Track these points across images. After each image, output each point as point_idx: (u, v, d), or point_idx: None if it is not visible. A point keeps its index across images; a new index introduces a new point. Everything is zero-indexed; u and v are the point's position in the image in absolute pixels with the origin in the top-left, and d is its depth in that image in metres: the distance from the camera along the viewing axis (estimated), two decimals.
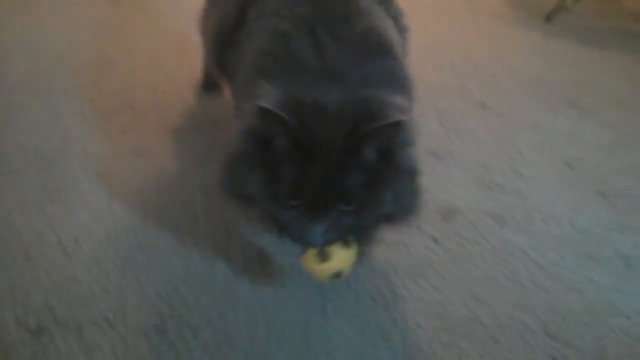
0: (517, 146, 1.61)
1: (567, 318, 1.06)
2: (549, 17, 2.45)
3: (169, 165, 1.38)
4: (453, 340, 1.00)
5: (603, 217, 1.35)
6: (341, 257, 0.90)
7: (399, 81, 0.93)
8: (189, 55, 1.81)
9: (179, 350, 0.94)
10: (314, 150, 0.77)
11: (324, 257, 0.89)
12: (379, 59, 0.90)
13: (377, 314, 1.04)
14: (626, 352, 1.01)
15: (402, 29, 1.16)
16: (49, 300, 1.00)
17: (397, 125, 0.77)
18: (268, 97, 0.79)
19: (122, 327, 0.97)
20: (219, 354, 0.94)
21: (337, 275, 0.91)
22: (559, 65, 2.17)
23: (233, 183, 0.88)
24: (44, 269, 1.06)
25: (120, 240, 1.15)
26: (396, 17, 1.14)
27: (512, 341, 1.01)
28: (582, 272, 1.17)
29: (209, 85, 1.61)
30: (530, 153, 1.58)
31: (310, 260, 0.90)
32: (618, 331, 1.05)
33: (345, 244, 0.91)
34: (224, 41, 1.11)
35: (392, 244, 1.19)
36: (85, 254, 1.11)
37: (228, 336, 0.98)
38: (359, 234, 0.94)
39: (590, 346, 1.02)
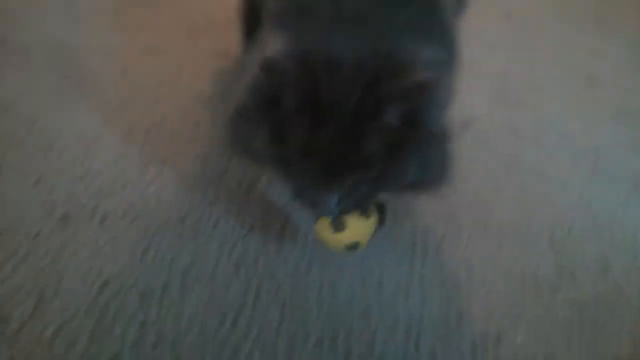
0: (539, 59, 1.59)
1: (573, 231, 1.10)
2: None
3: (186, 63, 1.39)
4: (460, 244, 1.04)
5: (617, 136, 1.35)
6: (358, 228, 0.84)
7: (436, 31, 0.80)
8: None
9: (200, 240, 0.99)
10: (325, 108, 0.68)
11: (339, 226, 0.83)
12: (412, 3, 0.78)
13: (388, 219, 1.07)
14: (629, 267, 1.05)
15: None
16: (74, 192, 1.04)
17: (425, 85, 0.67)
18: (274, 46, 0.72)
19: (146, 218, 1.01)
20: (238, 246, 0.99)
21: (354, 246, 0.85)
22: None
23: (239, 141, 0.81)
24: (68, 163, 1.10)
25: (141, 135, 1.18)
26: None
27: (516, 249, 1.05)
28: (591, 189, 1.20)
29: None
30: (551, 67, 1.56)
31: (324, 229, 0.84)
32: (622, 247, 1.08)
33: (364, 212, 0.85)
34: None
35: None
36: (107, 148, 1.14)
37: (243, 230, 1.02)
38: (378, 202, 0.88)
39: (594, 259, 1.05)
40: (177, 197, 1.06)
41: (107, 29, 1.48)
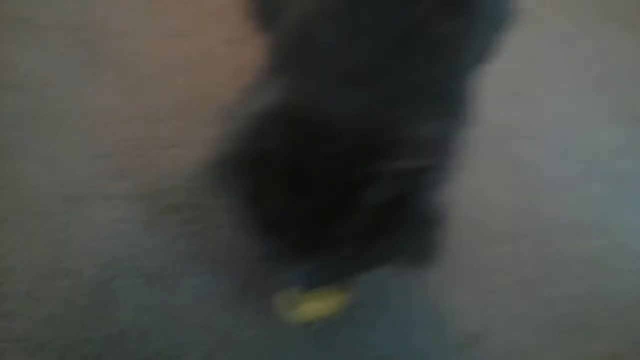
0: (548, 57, 1.59)
1: (568, 230, 1.13)
2: None
3: (206, 47, 1.41)
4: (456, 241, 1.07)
5: (620, 139, 1.36)
6: (321, 303, 0.80)
7: (446, 99, 0.72)
8: None
9: (195, 228, 1.02)
10: (309, 177, 0.63)
11: (302, 297, 0.78)
12: (426, 64, 0.69)
13: None
14: (621, 267, 1.09)
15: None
16: (82, 173, 1.08)
17: (420, 169, 0.62)
18: (270, 96, 0.66)
19: (152, 201, 1.05)
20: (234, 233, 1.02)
21: (315, 319, 0.82)
22: None
23: (220, 185, 0.74)
24: (78, 144, 1.13)
25: (152, 120, 1.21)
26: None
27: (513, 245, 1.08)
28: (590, 189, 1.22)
29: None
30: (559, 66, 1.56)
31: (288, 300, 0.80)
32: (615, 247, 1.12)
33: (340, 290, 0.80)
34: None
35: None
36: (117, 132, 1.17)
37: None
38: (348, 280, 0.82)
39: (589, 258, 1.09)
40: (188, 182, 1.09)
41: (127, 12, 1.51)
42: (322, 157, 0.63)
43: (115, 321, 0.88)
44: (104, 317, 0.89)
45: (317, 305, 0.79)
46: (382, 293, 0.96)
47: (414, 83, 0.67)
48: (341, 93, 0.65)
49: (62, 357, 0.85)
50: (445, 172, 0.72)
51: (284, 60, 0.73)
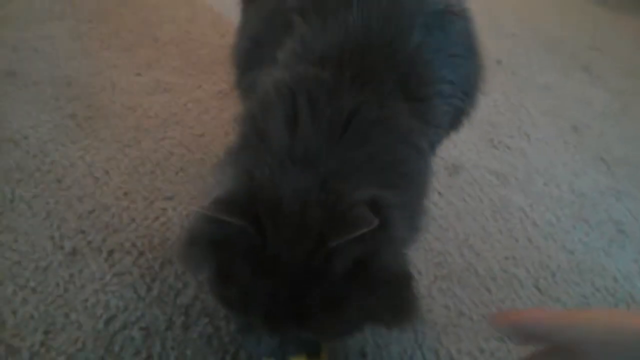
0: (527, 106, 1.67)
1: (557, 275, 1.15)
2: None
3: (193, 100, 1.44)
4: (450, 287, 1.09)
5: (601, 183, 1.42)
6: None
7: (397, 171, 0.76)
8: None
9: (201, 279, 1.02)
10: (268, 259, 0.65)
11: None
12: (371, 140, 0.73)
13: None
14: None
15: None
16: (82, 227, 1.09)
17: (376, 232, 0.62)
18: (227, 183, 0.71)
19: (149, 255, 1.06)
20: None
21: None
22: (578, 27, 2.19)
23: (191, 265, 0.78)
24: (77, 198, 1.14)
25: (147, 172, 1.23)
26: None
27: (503, 292, 1.10)
28: (575, 234, 1.26)
29: None
30: (538, 114, 1.64)
31: None
32: (604, 291, 1.14)
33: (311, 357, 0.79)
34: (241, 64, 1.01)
35: None
36: (115, 184, 1.19)
37: None
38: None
39: (576, 303, 1.10)
40: (180, 234, 1.10)
41: (115, 67, 1.54)
42: (279, 238, 0.65)
43: None
44: None
45: None
46: (388, 338, 0.98)
47: (354, 159, 0.71)
48: (292, 175, 0.68)
49: None
50: (404, 233, 0.74)
51: (244, 140, 0.79)
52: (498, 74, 1.81)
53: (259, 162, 0.71)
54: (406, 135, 0.78)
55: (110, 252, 1.05)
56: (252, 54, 0.97)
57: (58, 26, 1.70)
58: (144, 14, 1.81)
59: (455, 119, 0.97)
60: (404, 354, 0.96)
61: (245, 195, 0.67)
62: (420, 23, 0.82)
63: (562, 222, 1.28)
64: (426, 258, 1.14)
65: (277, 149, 0.71)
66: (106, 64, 1.55)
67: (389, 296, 0.69)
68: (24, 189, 1.15)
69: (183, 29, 1.77)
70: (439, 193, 1.30)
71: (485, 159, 1.43)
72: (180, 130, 1.35)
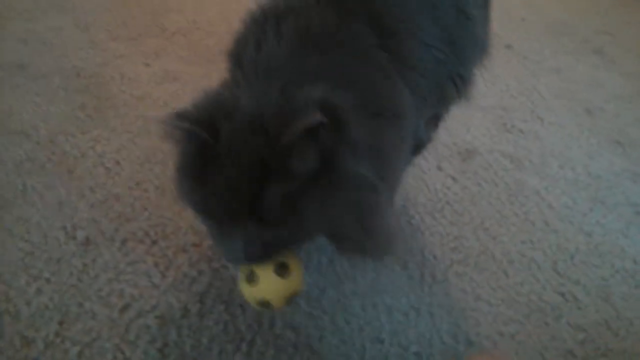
0: (539, 90, 1.65)
1: (575, 258, 1.14)
2: None
3: (202, 89, 1.43)
4: (466, 271, 1.08)
5: (617, 165, 1.40)
6: (269, 285, 0.77)
7: (352, 76, 0.78)
8: None
9: (215, 267, 1.02)
10: (223, 158, 0.68)
11: (250, 278, 0.77)
12: (334, 56, 0.77)
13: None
14: (629, 292, 1.09)
15: None
16: (94, 216, 1.08)
17: (331, 132, 0.66)
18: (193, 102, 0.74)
19: (163, 243, 1.05)
20: None
21: (265, 304, 0.78)
22: (588, 11, 2.17)
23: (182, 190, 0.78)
24: (88, 188, 1.14)
25: (158, 161, 1.22)
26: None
27: (521, 275, 1.08)
28: (592, 216, 1.24)
29: None
30: (551, 98, 1.62)
31: (241, 280, 0.79)
32: (623, 273, 1.12)
33: (281, 272, 0.77)
34: None
35: (413, 182, 1.26)
36: (127, 174, 1.18)
37: None
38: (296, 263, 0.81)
39: (595, 285, 1.09)
40: (194, 222, 1.09)
41: (123, 57, 1.53)
42: (234, 140, 0.68)
43: None
44: None
45: (264, 286, 0.77)
46: (405, 324, 0.97)
47: (314, 69, 0.75)
48: (253, 85, 0.74)
49: None
50: (366, 140, 0.74)
51: (229, 73, 0.85)
52: (509, 58, 1.79)
53: (236, 77, 0.78)
54: (372, 58, 0.80)
55: (124, 241, 1.04)
56: None
57: (65, 18, 1.69)
58: (150, 4, 1.80)
59: (444, 81, 0.94)
60: (422, 338, 0.95)
61: (204, 105, 0.72)
62: None
63: (579, 205, 1.26)
64: (442, 243, 1.13)
65: (245, 67, 0.77)
66: (114, 55, 1.54)
67: (350, 202, 0.71)
68: (36, 180, 1.14)
69: (190, 18, 1.76)
70: (453, 178, 1.28)
71: (499, 143, 1.41)
72: None
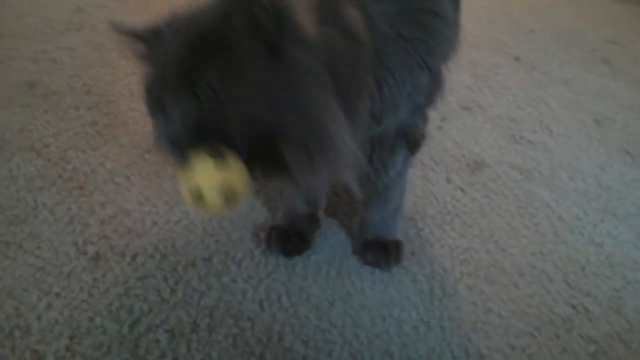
0: (548, 101, 1.64)
1: (586, 269, 1.12)
2: None
3: None
4: (476, 284, 1.07)
5: (627, 176, 1.39)
6: (203, 171, 0.71)
7: None
8: None
9: (225, 281, 1.02)
10: (168, 41, 0.72)
11: (185, 165, 0.72)
12: None
13: (405, 258, 1.10)
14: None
15: None
16: (105, 232, 1.09)
17: (279, 22, 0.67)
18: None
19: (172, 258, 1.05)
20: (263, 283, 1.03)
21: (198, 195, 0.71)
22: (596, 21, 2.16)
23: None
24: (99, 203, 1.15)
25: (167, 177, 1.23)
26: None
27: (532, 288, 1.07)
28: (603, 227, 1.23)
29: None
30: (559, 109, 1.61)
31: (180, 174, 0.74)
32: (635, 284, 1.11)
33: (219, 163, 0.71)
34: None
35: (422, 194, 1.26)
36: (136, 189, 1.19)
37: (268, 267, 1.06)
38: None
39: (607, 297, 1.08)
40: (203, 237, 1.10)
41: (133, 75, 1.55)
42: (184, 19, 0.72)
43: None
44: None
45: (198, 174, 0.71)
46: (415, 337, 0.96)
47: None
48: None
49: None
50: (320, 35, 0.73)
51: None
52: (517, 70, 1.79)
53: None
54: None
55: (134, 256, 1.05)
56: None
57: (76, 37, 1.72)
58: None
59: (416, 69, 0.90)
60: (432, 352, 0.94)
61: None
62: None
63: (589, 216, 1.25)
64: (451, 255, 1.12)
65: None
66: (124, 72, 1.56)
67: (292, 87, 0.69)
68: (46, 197, 1.15)
69: None
70: (462, 190, 1.28)
71: (508, 155, 1.41)
72: None
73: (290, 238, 1.09)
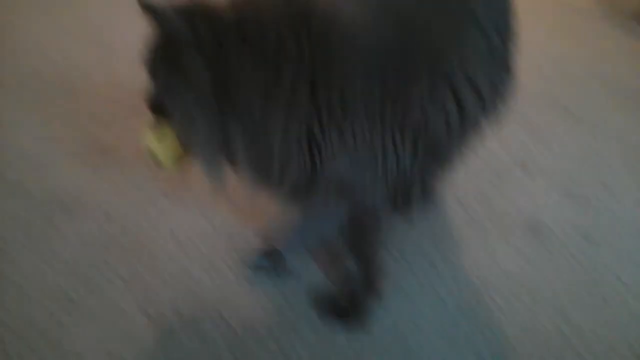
0: (605, 158, 1.59)
1: None
2: None
3: None
4: (543, 355, 1.04)
5: None
6: (152, 133, 0.92)
7: None
8: None
9: (286, 352, 1.03)
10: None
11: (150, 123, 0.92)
12: None
13: (468, 326, 1.09)
14: None
15: None
16: (167, 293, 1.11)
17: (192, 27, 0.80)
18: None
19: (233, 323, 1.06)
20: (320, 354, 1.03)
21: (153, 155, 0.92)
22: None
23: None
24: (162, 262, 1.17)
25: (232, 237, 1.24)
26: None
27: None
28: None
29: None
30: (618, 166, 1.56)
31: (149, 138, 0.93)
32: None
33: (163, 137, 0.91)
34: None
35: (483, 258, 1.24)
36: (199, 251, 1.20)
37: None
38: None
39: None
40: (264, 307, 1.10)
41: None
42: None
43: None
44: None
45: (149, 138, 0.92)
46: None
47: None
48: None
49: None
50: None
51: None
52: (572, 125, 1.74)
53: None
54: None
55: (196, 319, 1.06)
56: None
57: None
58: None
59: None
60: None
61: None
62: None
63: None
64: (513, 322, 1.10)
65: None
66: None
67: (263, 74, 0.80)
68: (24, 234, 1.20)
69: None
70: (522, 253, 1.25)
71: (568, 215, 1.37)
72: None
73: None
